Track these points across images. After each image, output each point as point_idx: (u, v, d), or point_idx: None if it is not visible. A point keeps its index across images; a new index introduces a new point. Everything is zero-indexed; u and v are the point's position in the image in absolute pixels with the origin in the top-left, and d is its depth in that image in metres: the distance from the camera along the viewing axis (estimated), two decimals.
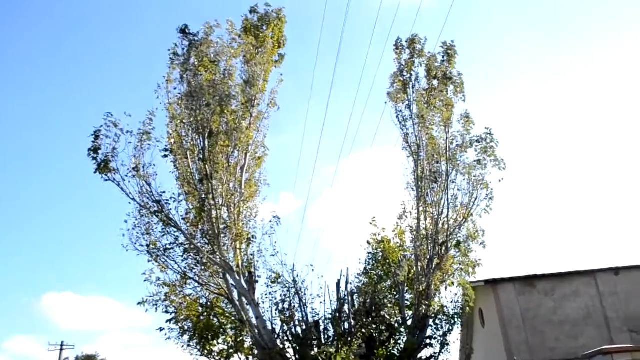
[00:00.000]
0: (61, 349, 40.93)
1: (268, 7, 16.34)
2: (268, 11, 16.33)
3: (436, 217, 14.53)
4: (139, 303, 13.43)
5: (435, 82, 15.90)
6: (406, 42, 16.24)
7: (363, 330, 13.62)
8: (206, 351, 13.97)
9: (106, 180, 12.57)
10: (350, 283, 14.44)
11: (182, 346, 13.86)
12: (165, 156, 13.32)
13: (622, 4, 61.89)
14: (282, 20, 16.53)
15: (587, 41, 68.67)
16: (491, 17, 72.01)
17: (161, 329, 13.84)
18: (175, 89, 14.12)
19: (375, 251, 15.64)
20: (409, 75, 16.03)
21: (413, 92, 15.86)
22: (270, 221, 14.21)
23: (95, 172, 12.56)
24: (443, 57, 16.08)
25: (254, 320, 13.19)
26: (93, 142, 12.51)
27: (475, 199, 14.86)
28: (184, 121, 13.58)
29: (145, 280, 13.44)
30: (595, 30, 67.54)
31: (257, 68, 15.05)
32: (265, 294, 13.80)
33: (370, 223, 15.98)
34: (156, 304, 13.60)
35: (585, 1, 63.15)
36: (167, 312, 13.72)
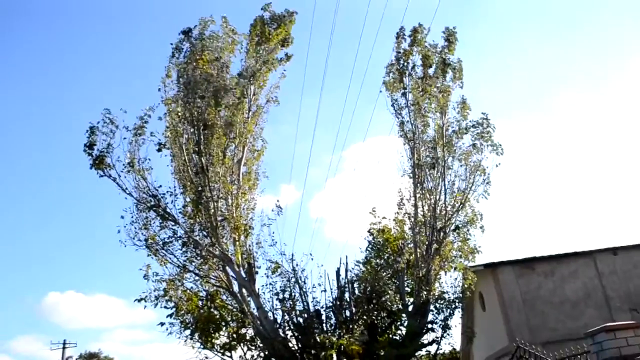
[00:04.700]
0: (64, 348, 40.93)
1: (285, 13, 15.98)
2: (283, 13, 15.98)
3: (433, 203, 14.52)
4: (136, 300, 13.42)
5: (430, 70, 15.77)
6: (410, 31, 15.95)
7: (364, 317, 13.66)
8: (209, 344, 13.99)
9: (102, 176, 12.60)
10: (350, 271, 14.48)
11: (185, 340, 13.88)
12: (160, 150, 13.26)
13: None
14: (292, 22, 16.19)
15: (587, 33, 68.58)
16: (495, 5, 71.83)
17: (162, 324, 13.83)
18: (173, 82, 14.11)
19: (376, 240, 15.67)
20: (405, 64, 15.86)
21: (409, 80, 15.75)
22: (273, 210, 14.26)
23: (90, 168, 12.59)
24: (444, 42, 15.91)
25: (255, 312, 13.21)
26: (88, 137, 12.53)
27: (472, 184, 14.82)
28: (179, 114, 13.54)
29: (144, 277, 13.42)
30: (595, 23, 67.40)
31: (252, 61, 14.88)
32: (266, 285, 13.85)
33: (370, 213, 16.03)
34: (156, 300, 13.59)
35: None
36: (166, 307, 13.72)
